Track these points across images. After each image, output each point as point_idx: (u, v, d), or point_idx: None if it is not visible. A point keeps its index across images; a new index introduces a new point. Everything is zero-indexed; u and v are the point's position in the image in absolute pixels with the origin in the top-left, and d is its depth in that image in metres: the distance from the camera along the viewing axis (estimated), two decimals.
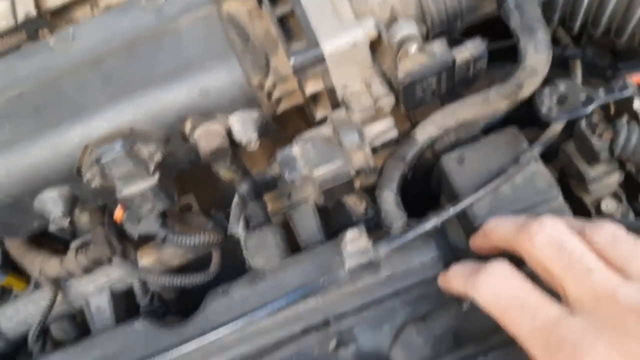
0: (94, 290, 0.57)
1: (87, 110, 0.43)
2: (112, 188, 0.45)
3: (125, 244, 0.56)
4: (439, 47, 0.43)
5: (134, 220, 0.52)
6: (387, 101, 0.44)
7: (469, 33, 0.46)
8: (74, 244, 0.57)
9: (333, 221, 0.57)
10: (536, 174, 0.44)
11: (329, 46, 0.43)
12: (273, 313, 0.43)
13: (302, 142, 0.45)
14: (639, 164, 0.43)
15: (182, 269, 0.57)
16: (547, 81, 0.44)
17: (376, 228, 0.51)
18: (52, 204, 0.46)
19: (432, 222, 0.42)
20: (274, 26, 0.45)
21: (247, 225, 0.53)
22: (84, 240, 0.57)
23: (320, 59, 0.43)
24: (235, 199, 0.53)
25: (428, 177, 0.59)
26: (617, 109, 0.44)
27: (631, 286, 0.31)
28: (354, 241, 0.42)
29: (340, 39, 0.43)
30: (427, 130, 0.46)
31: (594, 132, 0.40)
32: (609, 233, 0.34)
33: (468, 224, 0.45)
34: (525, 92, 0.42)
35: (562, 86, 0.42)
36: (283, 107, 0.49)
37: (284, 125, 0.58)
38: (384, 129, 0.45)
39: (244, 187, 0.51)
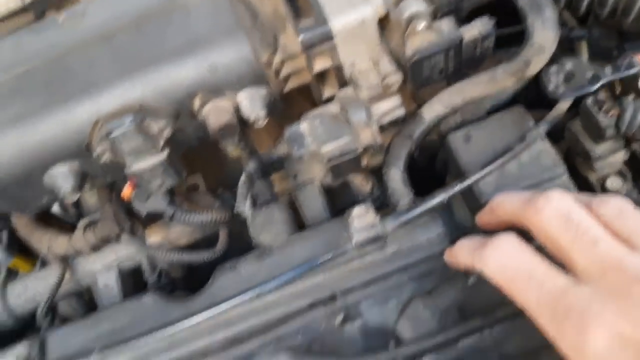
0: (102, 268, 0.58)
1: (97, 86, 0.44)
2: (122, 163, 0.45)
3: (134, 221, 0.56)
4: (447, 24, 0.44)
5: (142, 198, 0.52)
6: (395, 79, 0.44)
7: (473, 17, 0.47)
8: (82, 222, 0.58)
9: (338, 202, 0.58)
10: (542, 151, 0.44)
11: (337, 23, 0.43)
12: (281, 286, 0.44)
13: (310, 119, 0.45)
14: None
15: (189, 248, 0.58)
16: (553, 61, 0.45)
17: (382, 208, 0.51)
18: (62, 179, 0.46)
19: (439, 198, 0.42)
20: (282, 3, 0.45)
21: (254, 204, 0.53)
22: (91, 219, 0.58)
23: (329, 36, 0.44)
24: (242, 178, 0.54)
25: (433, 160, 0.59)
26: (623, 87, 0.44)
27: (637, 256, 0.32)
28: (361, 216, 0.43)
29: (349, 15, 0.43)
30: (434, 109, 0.46)
31: (600, 109, 0.41)
32: (616, 206, 0.35)
33: (474, 202, 0.45)
34: (533, 70, 0.43)
35: (568, 64, 0.42)
36: (291, 85, 0.49)
37: (290, 106, 0.58)
38: (391, 107, 0.46)
39: (251, 166, 0.52)
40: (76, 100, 0.44)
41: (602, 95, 0.41)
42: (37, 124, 0.43)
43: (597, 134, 0.42)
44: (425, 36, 0.43)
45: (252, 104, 0.45)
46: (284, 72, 0.48)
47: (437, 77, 0.46)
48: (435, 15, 0.47)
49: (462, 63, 0.46)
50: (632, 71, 0.41)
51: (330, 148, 0.44)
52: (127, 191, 0.52)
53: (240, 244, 0.54)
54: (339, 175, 0.47)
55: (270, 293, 0.45)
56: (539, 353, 0.41)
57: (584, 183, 0.46)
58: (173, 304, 0.47)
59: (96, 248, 0.57)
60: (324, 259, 0.42)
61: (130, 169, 0.45)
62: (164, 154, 0.45)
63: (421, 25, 0.42)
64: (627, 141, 0.44)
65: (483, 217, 0.42)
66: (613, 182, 0.44)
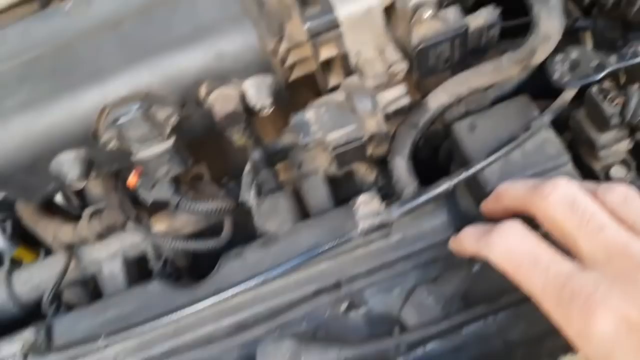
0: (107, 257, 0.58)
1: (103, 74, 0.44)
2: (128, 151, 0.46)
3: (139, 210, 0.57)
4: (452, 13, 0.44)
5: (148, 186, 0.53)
6: (401, 67, 0.44)
7: (478, 6, 0.47)
8: (87, 211, 0.58)
9: (342, 192, 0.58)
10: (546, 140, 0.44)
11: (343, 11, 0.43)
12: (287, 273, 0.44)
13: (316, 107, 0.45)
14: None
15: (194, 237, 0.58)
16: (558, 51, 0.45)
17: (386, 198, 0.52)
18: (68, 166, 0.46)
19: (444, 186, 0.43)
20: None
21: (259, 193, 0.53)
22: (97, 208, 0.58)
23: (335, 24, 0.44)
24: (247, 167, 0.54)
25: (436, 153, 0.60)
26: (628, 77, 0.44)
27: None
28: (367, 204, 0.43)
29: (355, 4, 0.43)
30: (439, 98, 0.47)
31: (605, 97, 0.41)
32: (622, 193, 0.35)
33: (478, 191, 0.45)
34: (538, 58, 0.43)
35: (574, 53, 0.42)
36: (296, 74, 0.49)
37: (295, 96, 0.58)
38: (396, 95, 0.46)
39: (256, 155, 0.52)
40: (83, 88, 0.44)
41: (607, 84, 0.41)
42: (44, 111, 0.44)
43: (602, 123, 0.42)
44: (431, 25, 0.43)
45: (258, 92, 0.46)
46: (290, 60, 0.48)
47: (442, 66, 0.46)
48: (441, 4, 0.47)
49: (468, 52, 0.46)
50: (637, 60, 0.41)
51: (335, 136, 0.44)
52: (132, 180, 0.53)
53: (245, 233, 0.54)
54: (344, 164, 0.48)
55: (275, 280, 0.45)
56: (542, 339, 0.42)
57: (588, 172, 0.46)
58: (179, 290, 0.48)
59: (101, 237, 0.58)
60: (330, 246, 0.43)
61: (137, 157, 0.46)
62: (170, 142, 0.46)
63: (427, 13, 0.42)
64: (632, 130, 0.44)
65: (488, 205, 0.43)
66: (617, 170, 0.45)
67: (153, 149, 0.45)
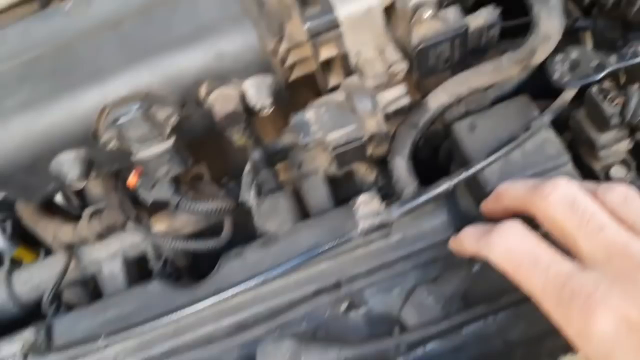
0: (107, 257, 0.58)
1: (104, 73, 0.44)
2: (128, 151, 0.46)
3: (139, 210, 0.57)
4: (452, 13, 0.44)
5: (148, 186, 0.53)
6: (401, 67, 0.44)
7: (478, 6, 0.47)
8: (87, 211, 0.58)
9: (343, 192, 0.58)
10: (546, 140, 0.44)
11: (343, 11, 0.43)
12: (287, 273, 0.44)
13: (316, 107, 0.45)
14: None
15: (193, 238, 0.58)
16: (558, 51, 0.45)
17: (386, 199, 0.52)
18: (68, 166, 0.46)
19: (444, 186, 0.43)
20: None
21: (259, 193, 0.53)
22: (97, 208, 0.58)
23: (335, 24, 0.44)
24: (247, 167, 0.54)
25: (435, 154, 0.60)
26: (628, 77, 0.44)
27: None
28: (367, 204, 0.43)
29: (355, 4, 0.43)
30: (439, 98, 0.47)
31: (605, 97, 0.41)
32: (621, 193, 0.35)
33: (478, 191, 0.45)
34: (538, 58, 0.43)
35: (574, 53, 0.42)
36: (296, 74, 0.49)
37: (294, 97, 0.58)
38: (396, 95, 0.46)
39: (256, 155, 0.52)
40: (83, 88, 0.44)
41: (607, 84, 0.41)
42: (44, 111, 0.44)
43: (602, 123, 0.42)
44: (431, 25, 0.43)
45: (258, 92, 0.46)
46: (290, 60, 0.48)
47: (442, 66, 0.46)
48: (441, 4, 0.47)
49: (468, 52, 0.46)
50: (637, 60, 0.41)
51: (335, 136, 0.44)
52: (132, 180, 0.53)
53: (245, 233, 0.54)
54: (344, 164, 0.48)
55: (275, 280, 0.45)
56: (542, 339, 0.42)
57: (588, 172, 0.46)
58: (179, 290, 0.48)
59: (101, 237, 0.58)
60: (330, 246, 0.43)
61: (137, 157, 0.46)
62: (170, 142, 0.46)
63: (427, 13, 0.42)
64: (631, 130, 0.44)
65: (488, 205, 0.43)
66: (617, 171, 0.45)
67: (153, 149, 0.45)
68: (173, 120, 0.45)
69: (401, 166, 0.46)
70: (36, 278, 0.59)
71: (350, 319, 0.46)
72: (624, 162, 0.45)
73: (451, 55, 0.45)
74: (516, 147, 0.44)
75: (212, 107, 0.45)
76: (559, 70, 0.42)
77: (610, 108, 0.41)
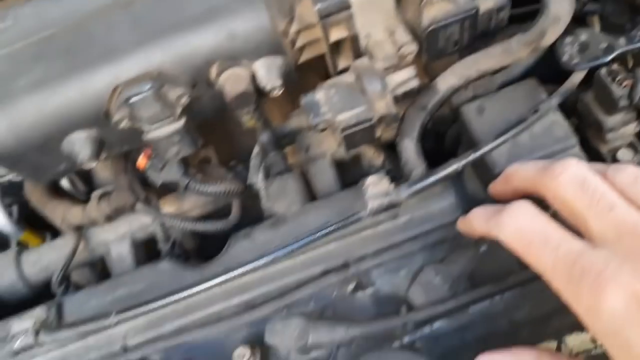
0: (115, 238, 0.58)
1: (116, 52, 0.44)
2: (139, 130, 0.46)
3: (148, 192, 0.57)
4: None
5: (157, 168, 0.53)
6: (411, 49, 0.45)
7: None
8: (96, 193, 0.58)
9: (350, 176, 0.58)
10: (554, 123, 0.45)
11: None
12: (296, 252, 0.44)
13: (326, 88, 0.46)
14: None
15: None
16: (567, 34, 0.45)
17: (394, 182, 0.52)
18: (80, 145, 0.47)
19: (453, 167, 0.43)
20: None
21: (267, 176, 0.54)
22: (105, 190, 0.59)
23: (345, 5, 0.44)
24: (256, 149, 0.54)
25: (441, 140, 0.60)
26: (636, 60, 0.44)
27: None
28: (376, 184, 0.44)
29: None
30: (448, 80, 0.47)
31: (614, 79, 0.41)
32: (631, 174, 0.35)
33: (486, 173, 0.46)
34: (548, 40, 0.43)
35: (583, 35, 0.42)
36: (306, 56, 0.49)
37: (301, 81, 0.58)
38: (406, 77, 0.46)
39: (264, 137, 0.52)
40: (95, 67, 0.44)
41: (615, 67, 0.41)
42: (58, 88, 0.44)
43: (610, 105, 0.42)
44: (441, 6, 0.43)
45: (268, 73, 0.46)
46: (299, 42, 0.48)
47: (451, 48, 0.47)
48: None
49: (477, 35, 0.46)
50: None
51: (345, 117, 0.44)
52: (142, 161, 0.53)
53: (251, 218, 0.55)
54: (353, 146, 0.48)
55: (284, 260, 0.46)
56: (548, 319, 0.42)
57: (595, 155, 0.47)
58: (189, 269, 0.48)
59: (110, 218, 0.58)
60: (339, 224, 0.43)
61: (147, 137, 0.46)
62: (181, 122, 0.46)
63: None
64: (639, 113, 0.44)
65: (497, 187, 0.43)
66: (624, 153, 0.45)
67: (164, 129, 0.46)
68: (184, 100, 0.45)
69: (410, 148, 0.47)
70: (45, 259, 0.59)
71: (357, 299, 0.46)
72: (631, 145, 0.45)
73: (460, 37, 0.45)
74: (524, 130, 0.44)
75: (223, 87, 0.45)
76: (568, 52, 0.42)
77: (618, 90, 0.41)
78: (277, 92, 0.47)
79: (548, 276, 0.34)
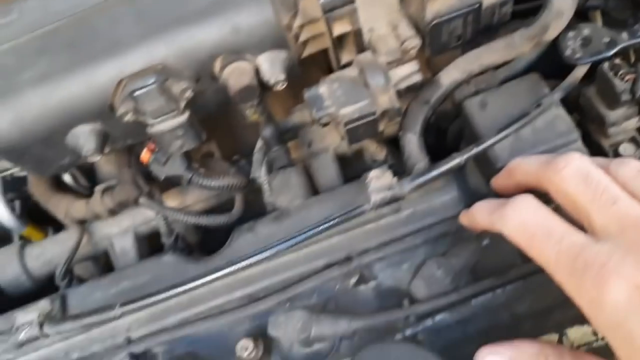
0: (118, 232, 0.59)
1: (121, 46, 0.44)
2: (143, 124, 0.46)
3: (151, 186, 0.57)
4: None
5: (160, 161, 0.53)
6: (414, 43, 0.45)
7: None
8: (99, 187, 0.59)
9: (352, 171, 0.58)
10: (557, 117, 0.45)
11: None
12: (299, 245, 0.44)
13: (329, 82, 0.46)
14: None
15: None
16: (569, 28, 0.45)
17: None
18: (84, 138, 0.47)
19: (456, 160, 0.43)
20: None
21: (270, 170, 0.54)
22: (108, 184, 0.59)
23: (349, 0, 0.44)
24: (259, 144, 0.55)
25: (443, 137, 0.60)
26: (638, 55, 0.45)
27: None
28: (379, 178, 0.44)
29: None
30: (451, 74, 0.47)
31: (616, 74, 0.41)
32: (634, 168, 0.35)
33: (488, 168, 0.46)
34: (551, 34, 0.43)
35: (586, 30, 0.43)
36: (309, 50, 0.50)
37: (303, 76, 0.59)
38: (409, 72, 0.46)
39: (267, 131, 0.52)
40: (100, 60, 0.44)
41: (618, 60, 0.42)
42: (61, 83, 0.44)
43: (613, 99, 0.42)
44: (445, 0, 0.43)
45: (272, 67, 0.46)
46: (303, 36, 0.48)
47: (454, 43, 0.47)
48: None
49: (480, 30, 0.47)
50: None
51: (348, 111, 0.45)
52: (145, 155, 0.53)
53: (254, 212, 0.55)
54: (356, 140, 0.48)
55: (287, 253, 0.46)
56: (549, 312, 0.43)
57: (597, 149, 0.47)
58: (192, 263, 0.48)
59: (113, 213, 0.58)
60: (342, 216, 0.43)
61: (152, 130, 0.46)
62: (185, 116, 0.46)
63: None
64: None
65: (499, 181, 0.43)
66: (626, 148, 0.45)
67: (168, 123, 0.46)
68: (188, 94, 0.45)
69: (413, 142, 0.47)
70: (48, 253, 0.60)
71: (359, 292, 0.46)
72: (633, 140, 0.45)
73: (464, 32, 0.46)
74: (527, 124, 0.44)
75: (227, 81, 0.45)
76: (571, 47, 0.42)
77: (621, 84, 0.41)
78: (281, 86, 0.47)
79: (551, 269, 0.35)
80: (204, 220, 0.54)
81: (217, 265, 0.46)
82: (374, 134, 0.48)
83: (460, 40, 0.47)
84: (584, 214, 0.35)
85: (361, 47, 0.49)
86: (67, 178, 0.66)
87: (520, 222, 0.36)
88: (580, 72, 0.44)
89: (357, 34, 0.47)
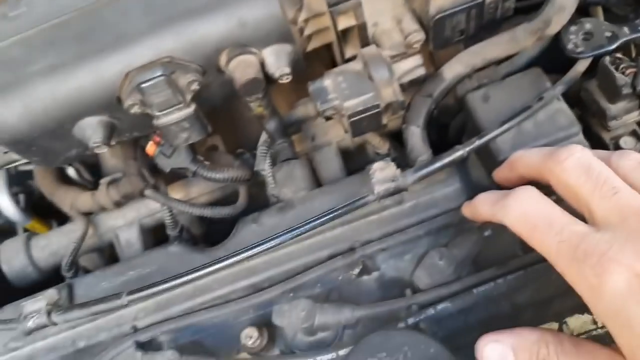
0: (124, 224, 0.59)
1: (128, 39, 0.45)
2: (150, 116, 0.47)
3: (157, 179, 0.58)
4: None
5: (166, 154, 0.54)
6: (418, 37, 0.45)
7: None
8: (104, 180, 0.59)
9: (355, 165, 0.59)
10: (558, 111, 0.45)
11: None
12: (303, 236, 0.45)
13: (334, 75, 0.46)
14: None
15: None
16: (571, 23, 0.46)
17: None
18: (91, 130, 0.47)
19: (458, 153, 0.44)
20: None
21: (274, 163, 0.54)
22: (113, 177, 0.59)
23: None
24: (263, 137, 0.55)
25: (445, 132, 0.61)
26: (639, 50, 0.45)
27: None
28: (383, 169, 0.44)
29: None
30: (454, 68, 0.48)
31: (617, 67, 0.42)
32: (634, 159, 0.36)
33: (490, 161, 0.47)
34: (553, 29, 0.44)
35: (588, 24, 0.43)
36: (313, 44, 0.50)
37: (307, 71, 0.59)
38: (412, 66, 0.47)
39: (272, 124, 0.53)
40: (108, 53, 0.45)
41: (619, 54, 0.42)
42: (71, 73, 0.45)
43: (613, 93, 0.43)
44: None
45: (277, 60, 0.47)
46: (308, 30, 0.49)
47: (457, 37, 0.47)
48: None
49: (482, 25, 0.47)
50: None
51: (353, 103, 0.45)
52: (151, 148, 0.54)
53: (257, 205, 0.56)
54: (360, 132, 0.49)
55: (291, 244, 0.47)
56: (550, 302, 0.43)
57: (598, 143, 0.48)
58: (198, 253, 0.49)
59: (119, 205, 0.59)
60: (347, 207, 0.44)
61: (158, 122, 0.47)
62: (192, 108, 0.47)
63: None
64: None
65: (501, 173, 0.44)
66: (626, 141, 0.46)
67: (175, 115, 0.46)
68: (195, 86, 0.46)
69: (416, 134, 0.47)
70: (54, 244, 0.60)
71: (362, 283, 0.47)
72: (633, 133, 0.46)
73: (467, 26, 0.46)
74: (529, 117, 0.45)
75: (233, 74, 0.46)
76: (573, 41, 0.43)
77: (622, 78, 0.42)
78: (286, 79, 0.47)
79: (552, 259, 0.35)
80: (209, 212, 0.54)
81: (222, 256, 0.47)
82: (377, 127, 0.49)
83: (463, 35, 0.47)
84: (585, 204, 0.35)
85: (365, 41, 0.49)
86: (71, 172, 0.66)
87: (522, 212, 0.37)
88: (581, 66, 0.45)
89: (362, 28, 0.48)
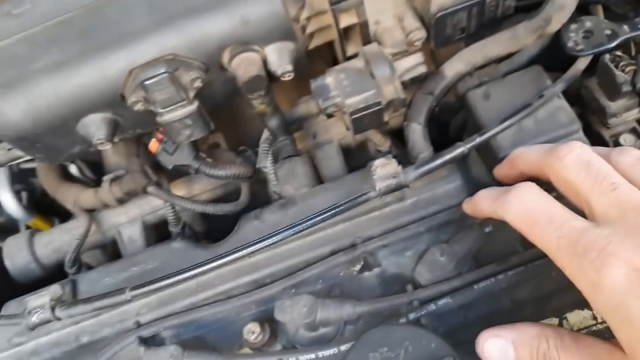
0: (126, 221, 0.60)
1: (132, 36, 0.45)
2: (153, 113, 0.47)
3: (159, 176, 0.58)
4: None
5: (169, 151, 0.54)
6: (420, 35, 0.46)
7: None
8: (107, 177, 0.59)
9: (356, 163, 0.59)
10: (558, 108, 0.46)
11: None
12: (305, 232, 0.45)
13: (335, 72, 0.47)
14: None
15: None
16: (571, 22, 0.46)
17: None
18: (95, 127, 0.48)
19: (459, 149, 0.44)
20: None
21: (276, 160, 0.55)
22: (116, 174, 0.60)
23: None
24: (265, 134, 0.56)
25: (445, 130, 0.61)
26: (638, 47, 0.45)
27: None
28: (384, 166, 0.45)
29: None
30: (455, 66, 0.48)
31: (617, 65, 0.42)
32: (633, 156, 0.36)
33: (491, 158, 0.47)
34: (554, 27, 0.44)
35: (588, 22, 0.43)
36: (315, 42, 0.51)
37: (308, 68, 0.60)
38: (414, 63, 0.47)
39: (274, 122, 0.53)
40: (111, 50, 0.45)
41: (619, 52, 0.43)
42: (74, 70, 0.45)
43: (613, 90, 0.43)
44: None
45: (280, 58, 0.47)
46: (310, 28, 0.49)
47: (458, 35, 0.48)
48: None
49: (483, 23, 0.48)
50: None
51: (354, 100, 0.45)
52: (154, 145, 0.54)
53: (258, 203, 0.56)
54: (361, 130, 0.49)
55: (293, 240, 0.47)
56: (550, 298, 0.44)
57: (598, 140, 0.48)
58: (201, 249, 0.49)
59: (121, 202, 0.59)
60: (348, 203, 0.44)
61: (161, 119, 0.47)
62: (195, 105, 0.47)
63: None
64: None
65: (501, 170, 0.44)
66: (626, 139, 0.46)
67: (178, 112, 0.47)
68: (198, 83, 0.46)
69: (417, 131, 0.48)
70: (57, 241, 0.61)
71: (364, 279, 0.47)
72: (633, 130, 0.46)
73: (468, 24, 0.46)
74: (529, 115, 0.45)
75: (235, 71, 0.46)
76: (573, 39, 0.43)
77: (622, 75, 0.42)
78: (289, 77, 0.48)
79: (552, 254, 0.35)
80: (211, 209, 0.55)
81: (225, 252, 0.47)
82: (379, 124, 0.49)
83: (464, 33, 0.48)
84: (585, 200, 0.36)
85: (367, 39, 0.50)
86: (73, 169, 0.67)
87: (522, 208, 0.37)
88: (582, 64, 0.45)
89: (363, 26, 0.48)
